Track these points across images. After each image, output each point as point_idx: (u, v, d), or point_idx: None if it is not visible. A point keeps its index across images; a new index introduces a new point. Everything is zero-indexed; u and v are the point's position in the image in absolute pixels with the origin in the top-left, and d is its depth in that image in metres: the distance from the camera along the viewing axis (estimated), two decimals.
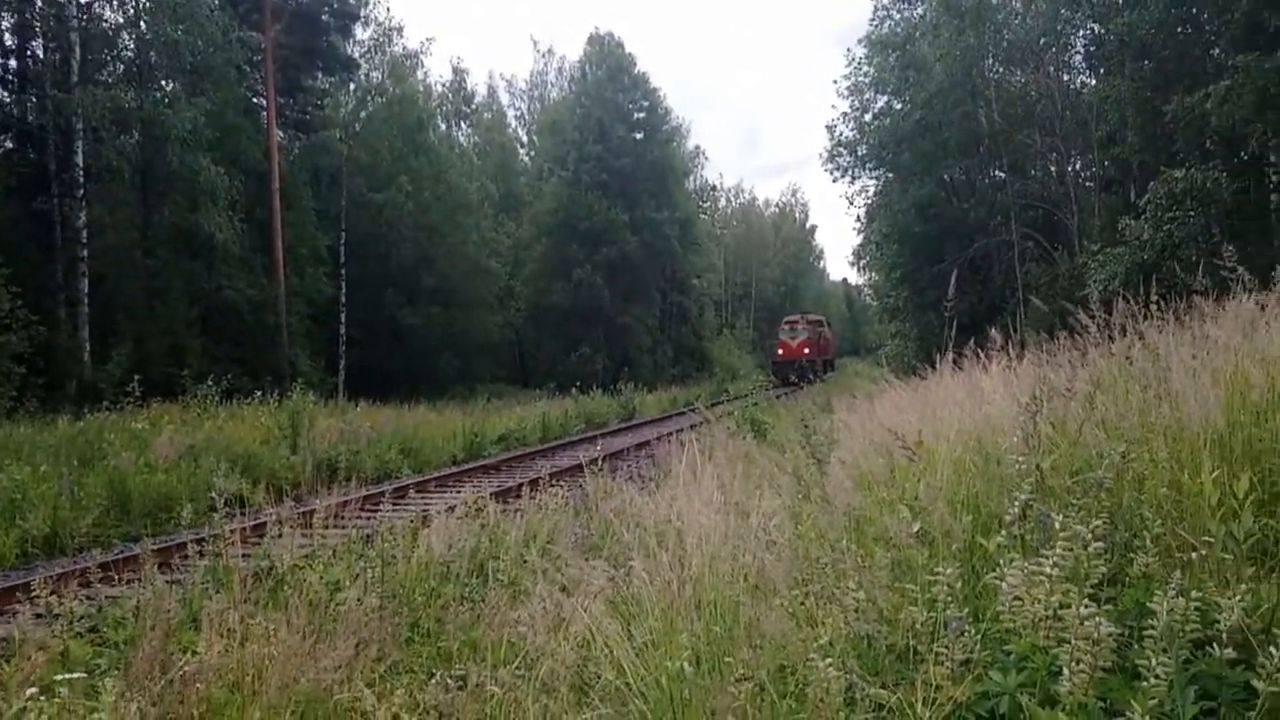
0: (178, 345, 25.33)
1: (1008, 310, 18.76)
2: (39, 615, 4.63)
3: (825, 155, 27.41)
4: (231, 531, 5.38)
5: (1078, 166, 23.67)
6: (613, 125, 42.57)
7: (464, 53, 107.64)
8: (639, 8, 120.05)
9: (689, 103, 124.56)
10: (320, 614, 4.20)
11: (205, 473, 11.99)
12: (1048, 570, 2.63)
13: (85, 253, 24.15)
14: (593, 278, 39.92)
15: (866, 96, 26.73)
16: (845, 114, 27.09)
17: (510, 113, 56.35)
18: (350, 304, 33.03)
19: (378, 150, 34.25)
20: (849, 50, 28.16)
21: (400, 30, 38.42)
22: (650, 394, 31.57)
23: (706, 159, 68.92)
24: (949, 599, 2.84)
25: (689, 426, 16.27)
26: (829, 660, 2.55)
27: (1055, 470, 3.70)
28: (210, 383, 16.82)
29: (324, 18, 33.32)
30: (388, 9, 41.42)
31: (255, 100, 31.38)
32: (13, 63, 26.02)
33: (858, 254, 30.00)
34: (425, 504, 9.94)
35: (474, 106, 51.41)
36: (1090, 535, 2.66)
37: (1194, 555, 3.26)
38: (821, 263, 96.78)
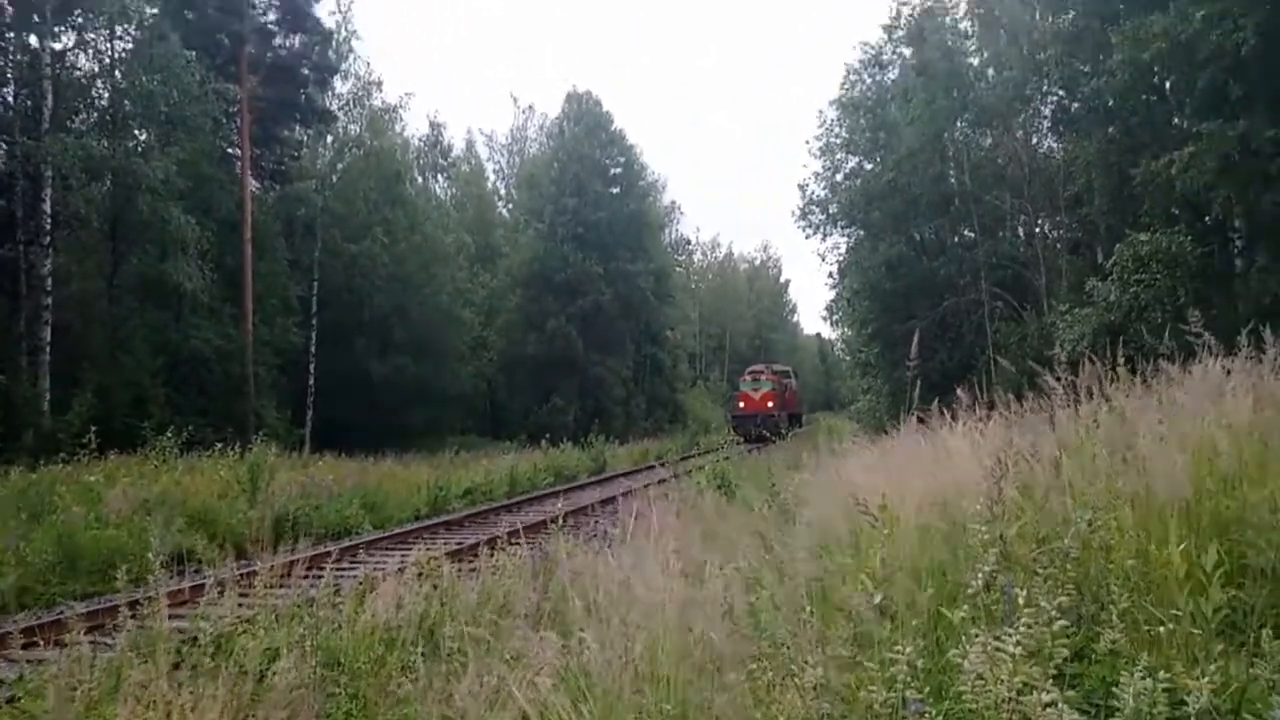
0: (141, 396, 24.85)
1: (978, 368, 18.80)
2: None
3: (797, 213, 27.69)
4: (168, 594, 5.13)
5: (1046, 228, 23.98)
6: (589, 180, 42.94)
7: (444, 108, 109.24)
8: (622, 67, 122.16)
9: (668, 159, 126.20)
10: (253, 684, 3.97)
11: (158, 527, 11.67)
12: (1010, 649, 2.50)
13: (49, 300, 23.79)
14: (567, 329, 39.90)
15: (838, 157, 27.11)
16: (817, 173, 27.48)
17: (490, 167, 56.86)
18: (321, 354, 32.70)
19: (353, 201, 34.21)
20: (821, 111, 28.61)
21: (380, 84, 38.73)
22: (623, 446, 31.34)
23: (682, 214, 69.78)
24: (909, 679, 2.69)
25: (658, 481, 16.10)
26: None
27: (1021, 537, 3.58)
28: (169, 435, 16.41)
29: (303, 71, 33.48)
30: (367, 64, 41.76)
31: (230, 150, 31.29)
32: None
33: (830, 309, 30.21)
34: (381, 562, 9.67)
35: (451, 160, 51.77)
36: (1055, 612, 2.54)
37: (1162, 630, 3.15)
38: (795, 316, 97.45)
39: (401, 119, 41.25)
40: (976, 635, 2.55)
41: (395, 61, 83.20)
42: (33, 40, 24.22)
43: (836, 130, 27.29)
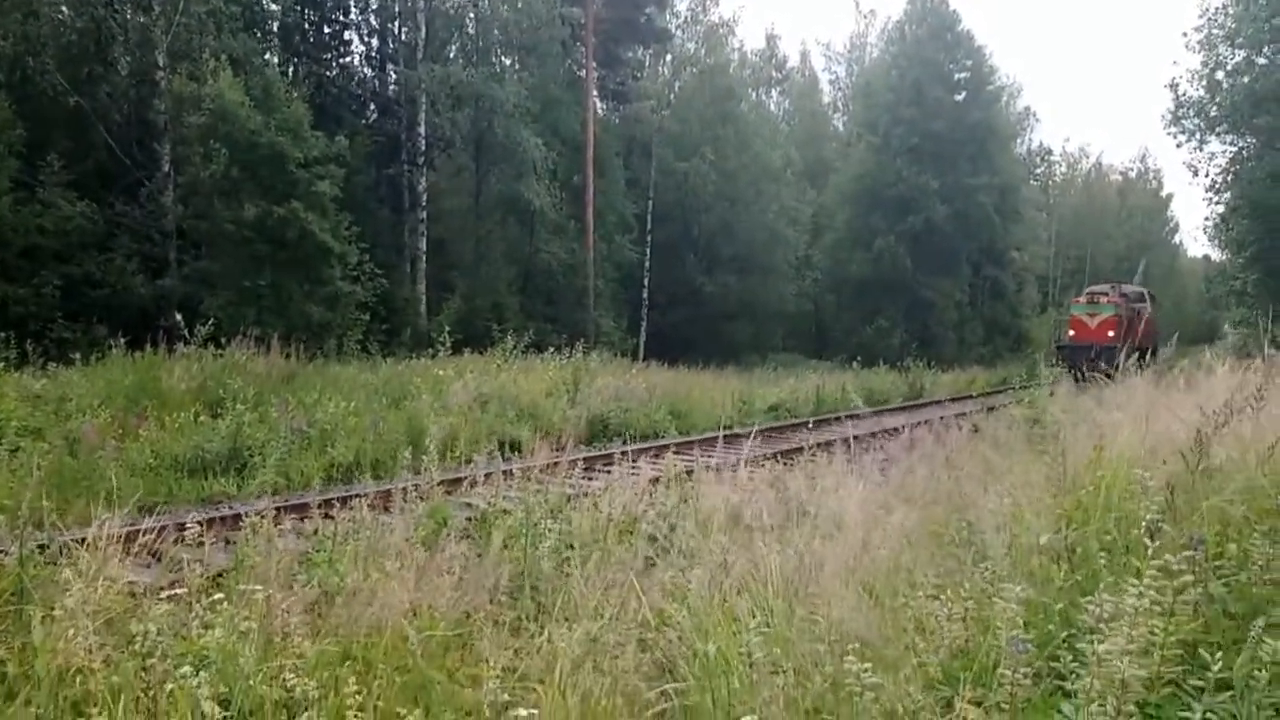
0: (498, 302, 27.95)
1: None
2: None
3: (1168, 117, 24.20)
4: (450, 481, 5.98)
5: None
6: (930, 86, 40.38)
7: (783, 20, 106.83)
8: None
9: (1029, 59, 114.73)
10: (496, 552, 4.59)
11: (490, 418, 13.31)
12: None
13: (424, 215, 27.30)
14: (895, 248, 38.44)
15: (1220, 51, 23.11)
16: (1194, 71, 23.67)
17: (825, 78, 55.46)
18: (654, 269, 34.48)
19: (687, 120, 35.21)
20: None
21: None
22: (947, 374, 30.01)
23: (1037, 120, 63.30)
24: (1015, 617, 2.55)
25: (971, 411, 15.35)
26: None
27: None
28: (510, 337, 18.37)
29: None
30: None
31: (579, 72, 33.41)
32: (375, 42, 29.78)
33: (1218, 227, 26.40)
34: (657, 465, 10.27)
35: (785, 74, 51.11)
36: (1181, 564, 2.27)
37: None
38: (1176, 237, 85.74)
39: (735, 34, 41.41)
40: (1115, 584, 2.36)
41: None
42: None
43: (1221, 19, 23.25)
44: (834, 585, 3.41)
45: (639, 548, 4.45)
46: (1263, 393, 3.49)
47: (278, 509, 5.88)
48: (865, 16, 54.28)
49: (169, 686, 2.82)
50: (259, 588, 3.36)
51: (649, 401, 15.85)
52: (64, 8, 19.85)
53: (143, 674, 2.99)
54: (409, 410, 12.41)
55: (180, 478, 9.76)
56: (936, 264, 39.66)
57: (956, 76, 42.36)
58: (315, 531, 5.44)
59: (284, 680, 2.85)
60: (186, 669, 2.76)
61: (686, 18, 38.52)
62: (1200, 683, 2.15)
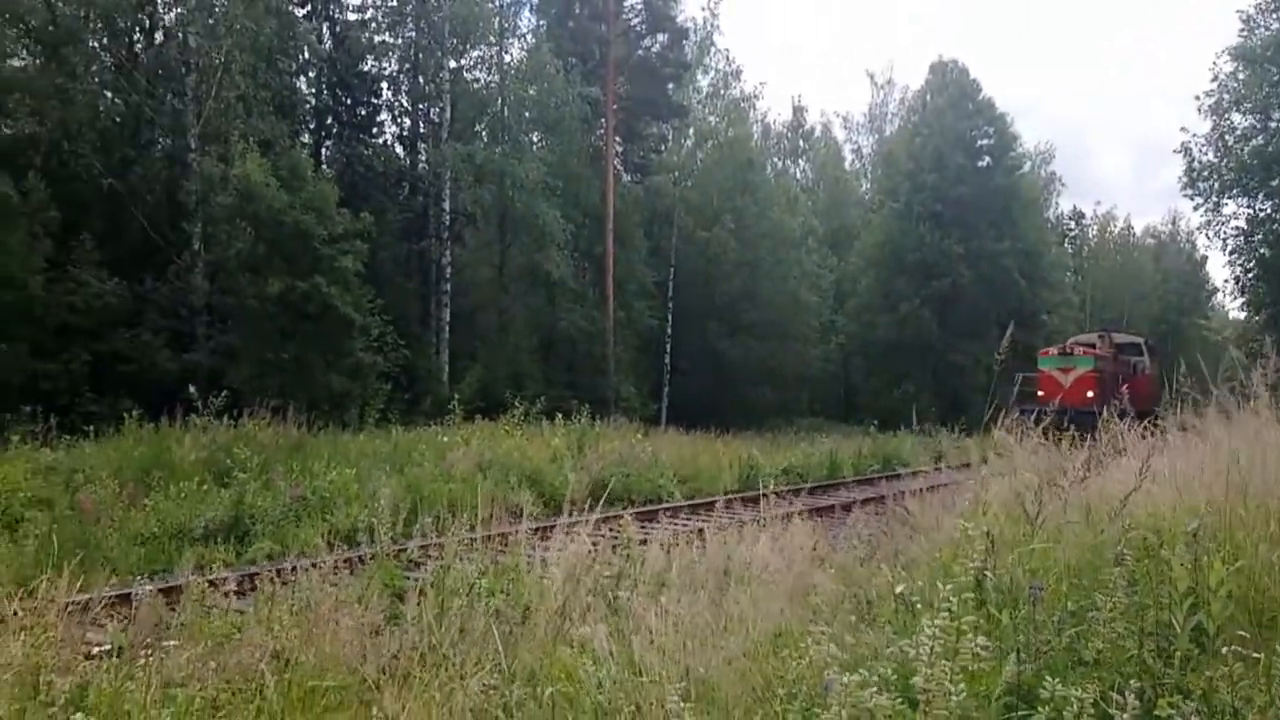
0: (519, 370, 28.40)
1: None
2: None
3: (1184, 180, 24.27)
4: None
5: None
6: (951, 153, 40.82)
7: (804, 88, 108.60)
8: (999, 29, 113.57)
9: (1050, 125, 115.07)
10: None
11: (490, 484, 13.52)
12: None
13: (448, 287, 28.02)
14: (920, 311, 38.47)
15: (1229, 117, 23.18)
16: (1202, 136, 23.73)
17: (848, 148, 56.21)
18: (675, 335, 34.84)
19: (708, 190, 35.91)
20: (1214, 63, 24.35)
21: (739, 74, 40.21)
22: (971, 436, 29.67)
23: (1063, 186, 63.27)
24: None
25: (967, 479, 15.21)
26: None
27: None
28: (520, 404, 18.69)
29: (665, 69, 35.63)
30: (727, 56, 43.25)
31: (599, 147, 34.33)
32: (406, 122, 30.99)
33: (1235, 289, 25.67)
34: (645, 530, 10.40)
35: (810, 143, 51.97)
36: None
37: None
38: (1217, 298, 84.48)
39: (755, 107, 42.33)
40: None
41: (758, 45, 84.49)
42: (451, 63, 28.60)
43: (1231, 85, 23.40)
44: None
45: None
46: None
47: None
48: (882, 88, 54.91)
49: None
50: (173, 642, 3.60)
51: (653, 466, 16.01)
52: (107, 92, 21.03)
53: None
54: (410, 477, 12.69)
55: (181, 546, 10.07)
56: (964, 328, 39.55)
57: (979, 143, 42.78)
58: (271, 595, 5.67)
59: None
60: (79, 716, 3.00)
61: (708, 93, 39.55)
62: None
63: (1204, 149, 23.51)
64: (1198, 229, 29.71)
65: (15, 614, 4.23)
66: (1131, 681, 2.51)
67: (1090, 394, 20.82)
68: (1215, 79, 24.39)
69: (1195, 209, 24.57)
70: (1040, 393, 21.28)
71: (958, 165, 40.71)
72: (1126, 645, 2.87)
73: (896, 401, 37.12)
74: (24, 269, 17.07)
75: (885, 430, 27.63)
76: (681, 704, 2.57)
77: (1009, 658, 2.61)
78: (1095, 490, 3.68)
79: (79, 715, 3.01)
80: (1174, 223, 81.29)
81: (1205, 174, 23.36)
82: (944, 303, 39.36)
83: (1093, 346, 23.46)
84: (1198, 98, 24.91)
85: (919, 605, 3.11)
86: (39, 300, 17.25)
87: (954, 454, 24.65)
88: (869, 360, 42.13)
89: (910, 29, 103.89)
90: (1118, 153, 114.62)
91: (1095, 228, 71.19)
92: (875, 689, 2.35)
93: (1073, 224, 68.08)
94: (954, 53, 64.79)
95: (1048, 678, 2.50)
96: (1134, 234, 76.27)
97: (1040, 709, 2.49)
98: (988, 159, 42.80)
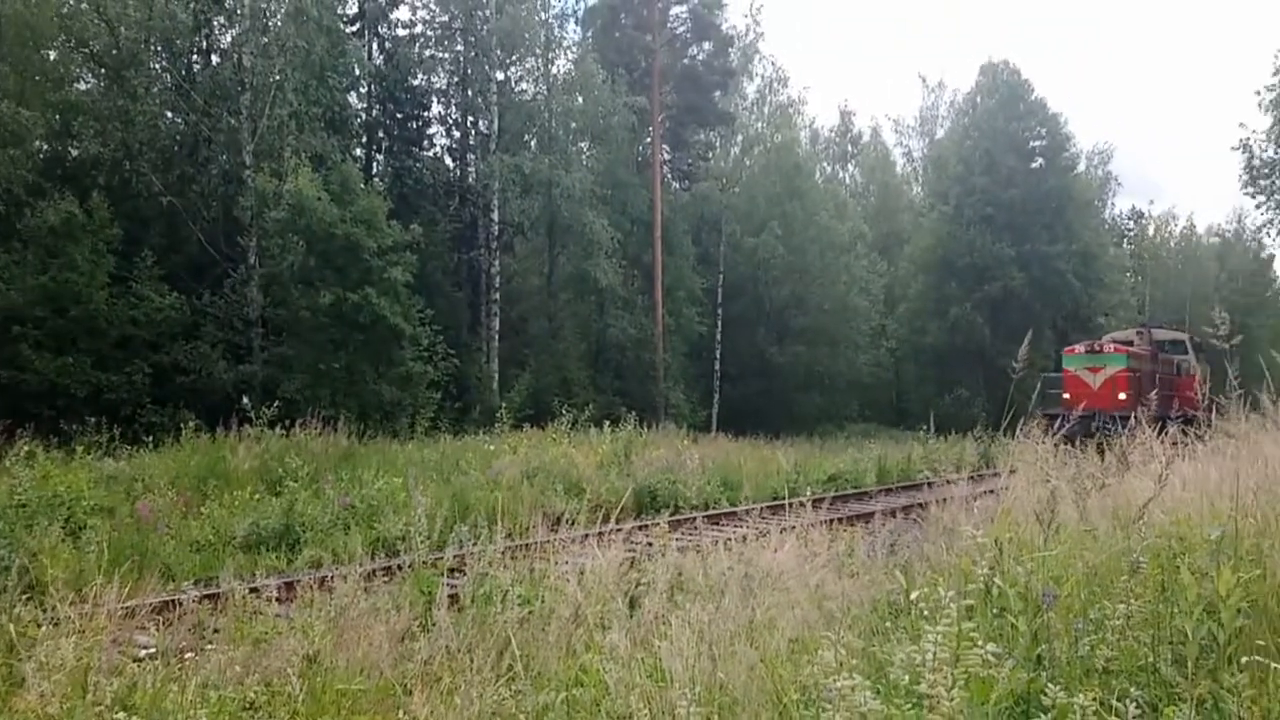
0: (568, 377, 28.63)
1: None
2: None
3: (1244, 178, 23.66)
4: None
5: None
6: (1002, 156, 40.21)
7: (852, 93, 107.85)
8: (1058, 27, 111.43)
9: (1112, 123, 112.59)
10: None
11: (535, 492, 13.68)
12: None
13: (498, 296, 28.40)
14: (972, 316, 37.93)
15: None
16: (1266, 131, 23.12)
17: (898, 151, 55.68)
18: (724, 342, 34.83)
19: (755, 196, 35.85)
20: (1276, 56, 23.73)
21: (784, 80, 40.10)
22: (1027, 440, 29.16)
23: (1119, 185, 61.91)
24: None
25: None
26: None
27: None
28: (567, 412, 18.86)
29: (711, 77, 35.68)
30: (772, 62, 43.21)
31: (646, 155, 34.51)
32: (457, 134, 31.55)
33: None
34: (684, 538, 10.44)
35: (859, 148, 51.59)
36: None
37: None
38: None
39: (802, 112, 42.17)
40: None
41: (804, 49, 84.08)
42: (498, 75, 29.06)
43: None
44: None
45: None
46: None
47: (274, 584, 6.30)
48: (933, 90, 54.24)
49: None
50: (212, 646, 3.77)
51: (700, 473, 16.02)
52: (167, 112, 21.76)
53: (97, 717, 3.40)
54: (456, 485, 12.89)
55: (235, 552, 10.37)
56: (1016, 332, 38.81)
57: (1031, 144, 42.10)
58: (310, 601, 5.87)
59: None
60: (122, 715, 3.17)
61: (755, 99, 39.51)
62: None
63: (1264, 145, 22.93)
64: (1260, 227, 28.87)
65: (69, 617, 4.44)
66: (1133, 690, 2.52)
67: (1123, 396, 18.97)
68: (1276, 72, 23.79)
69: (1257, 207, 23.94)
70: (1065, 395, 19.48)
71: (1009, 167, 40.11)
72: (1139, 653, 2.87)
73: (948, 406, 36.67)
74: (90, 285, 17.78)
75: (937, 435, 27.27)
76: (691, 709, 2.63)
77: (1007, 663, 2.62)
78: (1122, 497, 3.66)
79: (122, 714, 3.17)
80: (1239, 220, 78.93)
81: (1266, 171, 22.77)
82: (995, 306, 38.78)
83: (1129, 343, 21.48)
84: (1258, 92, 24.33)
85: (927, 612, 3.14)
86: (102, 314, 17.91)
87: (1003, 460, 24.33)
88: (920, 365, 41.69)
89: (962, 29, 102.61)
90: (1180, 150, 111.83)
91: (1153, 227, 69.59)
92: (871, 693, 2.40)
93: (1131, 224, 66.78)
94: (1009, 52, 63.54)
95: (1050, 685, 2.52)
96: (1196, 233, 74.34)
97: (1043, 715, 2.52)
98: (1040, 160, 42.14)
